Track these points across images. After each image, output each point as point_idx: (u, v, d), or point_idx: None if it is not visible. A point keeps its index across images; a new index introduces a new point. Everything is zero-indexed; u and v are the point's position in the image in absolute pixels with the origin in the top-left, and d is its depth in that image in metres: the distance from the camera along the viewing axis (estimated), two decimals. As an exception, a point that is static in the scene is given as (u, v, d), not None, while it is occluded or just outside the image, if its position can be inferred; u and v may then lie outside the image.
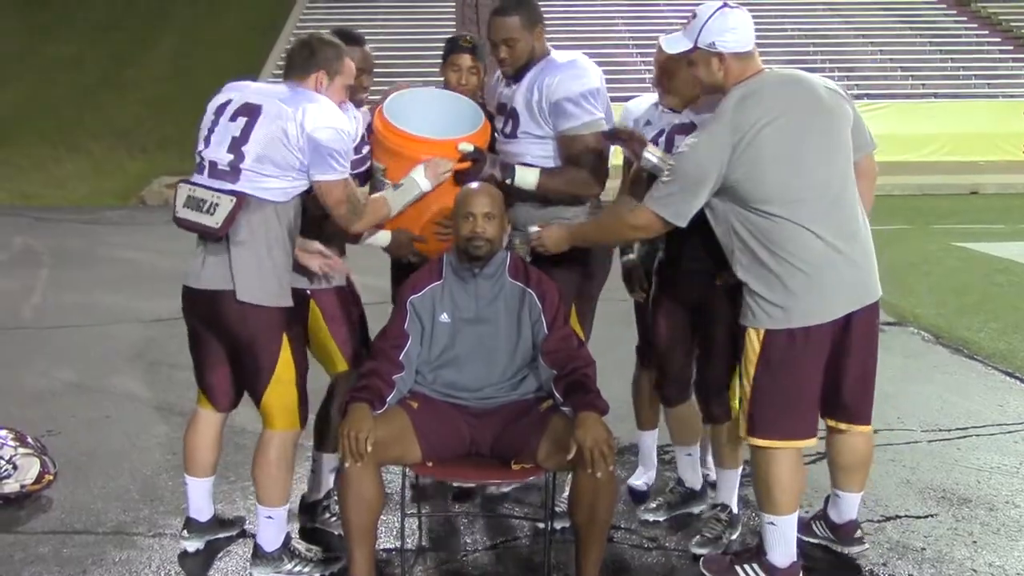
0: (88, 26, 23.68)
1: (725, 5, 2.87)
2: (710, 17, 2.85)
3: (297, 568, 3.16)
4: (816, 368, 2.96)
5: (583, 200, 3.40)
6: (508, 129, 3.39)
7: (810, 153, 2.84)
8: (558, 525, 3.29)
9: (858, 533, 3.34)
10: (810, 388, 2.98)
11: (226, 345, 3.05)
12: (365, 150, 3.36)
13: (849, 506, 3.31)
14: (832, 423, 3.16)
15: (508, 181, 3.28)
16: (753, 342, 2.95)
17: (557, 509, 3.22)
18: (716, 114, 2.87)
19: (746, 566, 3.13)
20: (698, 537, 3.42)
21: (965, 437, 4.50)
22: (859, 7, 22.68)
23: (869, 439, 3.23)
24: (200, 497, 3.32)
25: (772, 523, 3.05)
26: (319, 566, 3.19)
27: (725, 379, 3.33)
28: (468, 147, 3.26)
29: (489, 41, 3.37)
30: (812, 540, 3.39)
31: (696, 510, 3.68)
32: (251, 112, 2.89)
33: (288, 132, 2.84)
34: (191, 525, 3.33)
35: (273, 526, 3.13)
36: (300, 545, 3.27)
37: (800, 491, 3.08)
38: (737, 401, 3.20)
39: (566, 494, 3.13)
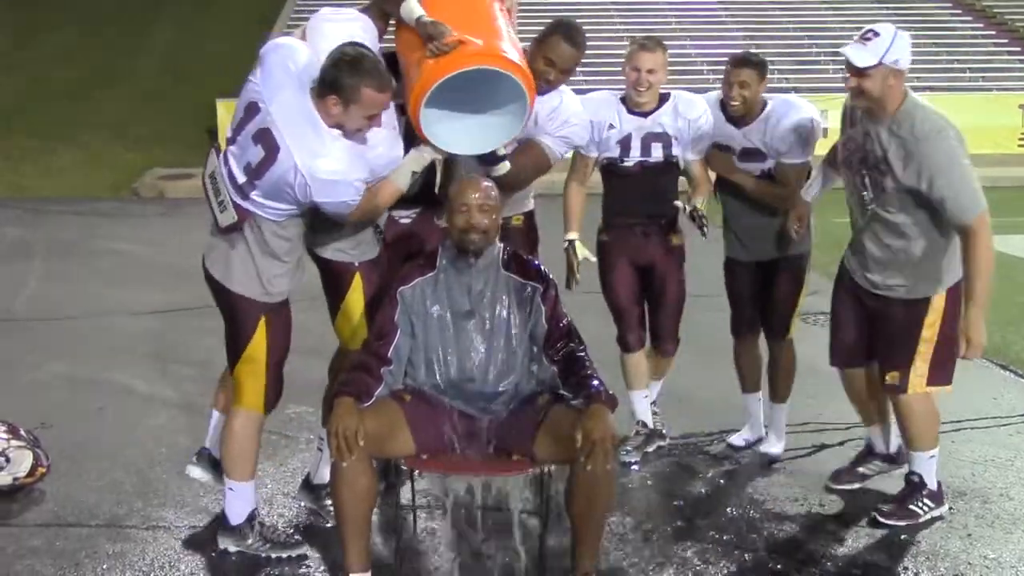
0: (81, 19, 23.56)
1: (897, 28, 3.26)
2: (895, 37, 3.23)
3: (256, 544, 3.24)
4: None
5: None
6: None
7: None
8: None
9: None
10: None
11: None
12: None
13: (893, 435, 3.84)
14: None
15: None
16: (938, 304, 3.49)
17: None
18: (943, 137, 3.28)
19: (918, 502, 3.56)
20: (625, 449, 4.01)
21: (959, 430, 4.49)
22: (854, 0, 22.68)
23: None
24: (220, 429, 3.38)
25: (933, 456, 3.60)
26: (277, 547, 3.26)
27: (676, 325, 4.06)
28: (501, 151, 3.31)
29: (543, 57, 3.37)
30: (870, 472, 3.88)
31: (663, 443, 4.20)
32: (270, 148, 2.92)
33: (296, 191, 2.93)
34: (202, 455, 3.45)
35: (236, 499, 3.23)
36: (265, 523, 3.35)
37: None
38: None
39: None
